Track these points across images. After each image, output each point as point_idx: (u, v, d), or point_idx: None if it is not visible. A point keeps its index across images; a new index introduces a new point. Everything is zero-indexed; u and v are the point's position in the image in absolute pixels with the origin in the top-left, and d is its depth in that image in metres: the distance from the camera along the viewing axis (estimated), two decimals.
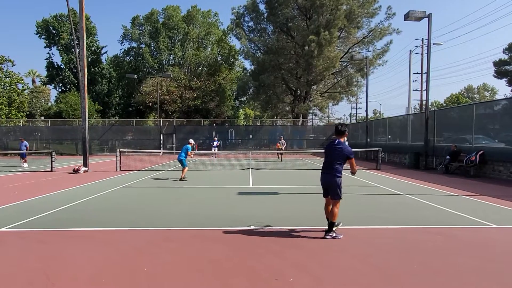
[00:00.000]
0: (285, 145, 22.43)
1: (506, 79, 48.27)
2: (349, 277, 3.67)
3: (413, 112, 35.81)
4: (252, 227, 5.66)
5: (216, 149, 26.02)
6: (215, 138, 27.66)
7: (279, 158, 22.28)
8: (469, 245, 4.80)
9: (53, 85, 47.66)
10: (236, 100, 53.00)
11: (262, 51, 37.04)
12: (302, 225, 5.74)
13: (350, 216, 6.56)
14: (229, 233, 5.35)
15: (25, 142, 19.66)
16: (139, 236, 5.27)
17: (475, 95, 78.03)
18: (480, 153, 12.86)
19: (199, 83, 43.10)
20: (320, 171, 5.31)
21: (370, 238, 5.07)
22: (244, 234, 5.29)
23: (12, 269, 3.95)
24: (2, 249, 4.66)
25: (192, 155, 12.96)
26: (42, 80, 50.63)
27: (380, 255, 4.37)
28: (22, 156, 19.04)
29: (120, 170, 15.42)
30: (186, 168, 12.37)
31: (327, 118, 48.86)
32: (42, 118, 42.26)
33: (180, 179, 11.96)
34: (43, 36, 45.99)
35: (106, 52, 50.26)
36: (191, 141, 13.15)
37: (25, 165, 18.51)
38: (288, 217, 6.39)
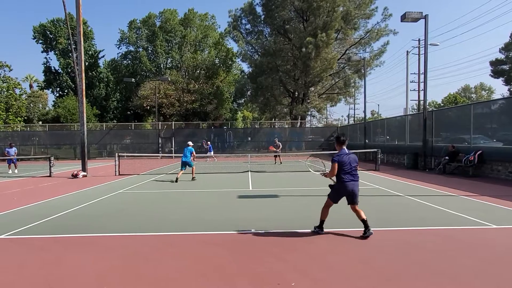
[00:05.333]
0: (280, 147, 22.18)
1: (503, 79, 48.53)
2: (350, 280, 3.68)
3: (411, 112, 35.90)
4: (253, 231, 5.66)
5: (212, 152, 25.88)
6: (209, 142, 27.43)
7: (275, 161, 21.98)
8: (469, 245, 4.82)
9: (50, 89, 47.65)
10: (234, 103, 53.06)
11: (259, 53, 37.13)
12: (303, 228, 5.74)
13: (349, 218, 6.55)
14: (230, 237, 5.35)
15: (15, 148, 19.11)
16: (140, 241, 5.26)
17: (472, 95, 78.32)
18: (478, 153, 12.90)
19: (197, 86, 43.15)
20: (341, 181, 5.23)
21: (370, 240, 5.08)
22: (245, 238, 5.29)
23: (13, 277, 3.93)
24: (2, 257, 4.64)
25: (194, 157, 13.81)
26: (40, 85, 50.56)
27: (381, 257, 4.38)
28: (13, 162, 18.13)
29: (119, 174, 15.39)
30: (194, 168, 13.35)
31: (325, 120, 49.02)
32: (40, 123, 42.20)
33: (192, 179, 13.03)
34: (40, 41, 45.97)
35: (103, 56, 50.50)
36: (191, 143, 13.78)
37: (16, 171, 17.95)
38: (289, 220, 6.40)
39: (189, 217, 6.85)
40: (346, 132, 32.08)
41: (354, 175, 5.28)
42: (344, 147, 5.41)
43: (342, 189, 5.27)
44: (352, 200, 5.32)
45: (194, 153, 13.54)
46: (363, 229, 5.23)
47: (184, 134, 33.62)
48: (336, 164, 5.20)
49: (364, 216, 5.25)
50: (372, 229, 5.32)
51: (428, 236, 5.24)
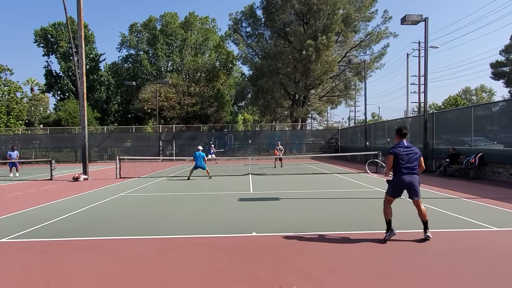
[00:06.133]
0: (282, 151, 21.89)
1: (503, 81, 48.49)
2: (352, 283, 3.68)
3: (411, 114, 35.88)
4: (254, 234, 5.66)
5: (214, 155, 25.76)
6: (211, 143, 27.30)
7: (275, 165, 21.45)
8: (470, 248, 4.81)
9: (51, 93, 47.78)
10: (235, 106, 53.11)
11: (260, 56, 37.21)
12: (304, 231, 5.73)
13: (350, 220, 6.57)
14: (231, 240, 5.35)
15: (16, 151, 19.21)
16: (141, 245, 5.26)
17: (472, 97, 78.40)
18: (479, 155, 12.88)
19: (197, 89, 43.22)
20: (397, 174, 5.16)
21: (372, 243, 5.07)
22: (246, 241, 5.29)
23: (14, 281, 3.93)
24: (3, 261, 4.64)
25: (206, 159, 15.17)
26: (41, 88, 50.72)
27: (383, 260, 4.38)
28: (14, 165, 18.24)
29: (120, 177, 15.40)
30: (208, 169, 14.84)
31: (326, 122, 49.07)
32: (41, 126, 42.26)
33: (210, 177, 14.54)
34: (42, 45, 46.16)
35: (104, 60, 50.42)
36: (201, 147, 15.48)
37: (17, 174, 18.03)
38: (290, 223, 6.39)
39: (190, 220, 6.86)
40: (347, 134, 32.08)
41: (412, 168, 5.09)
42: (404, 140, 5.22)
43: (399, 182, 5.09)
44: (412, 194, 5.13)
45: (206, 157, 15.16)
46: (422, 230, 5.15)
47: (185, 137, 33.66)
48: (392, 156, 5.06)
49: (425, 217, 5.06)
50: (373, 231, 5.32)
51: (429, 239, 5.22)
